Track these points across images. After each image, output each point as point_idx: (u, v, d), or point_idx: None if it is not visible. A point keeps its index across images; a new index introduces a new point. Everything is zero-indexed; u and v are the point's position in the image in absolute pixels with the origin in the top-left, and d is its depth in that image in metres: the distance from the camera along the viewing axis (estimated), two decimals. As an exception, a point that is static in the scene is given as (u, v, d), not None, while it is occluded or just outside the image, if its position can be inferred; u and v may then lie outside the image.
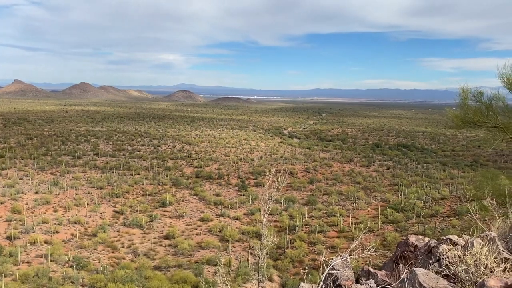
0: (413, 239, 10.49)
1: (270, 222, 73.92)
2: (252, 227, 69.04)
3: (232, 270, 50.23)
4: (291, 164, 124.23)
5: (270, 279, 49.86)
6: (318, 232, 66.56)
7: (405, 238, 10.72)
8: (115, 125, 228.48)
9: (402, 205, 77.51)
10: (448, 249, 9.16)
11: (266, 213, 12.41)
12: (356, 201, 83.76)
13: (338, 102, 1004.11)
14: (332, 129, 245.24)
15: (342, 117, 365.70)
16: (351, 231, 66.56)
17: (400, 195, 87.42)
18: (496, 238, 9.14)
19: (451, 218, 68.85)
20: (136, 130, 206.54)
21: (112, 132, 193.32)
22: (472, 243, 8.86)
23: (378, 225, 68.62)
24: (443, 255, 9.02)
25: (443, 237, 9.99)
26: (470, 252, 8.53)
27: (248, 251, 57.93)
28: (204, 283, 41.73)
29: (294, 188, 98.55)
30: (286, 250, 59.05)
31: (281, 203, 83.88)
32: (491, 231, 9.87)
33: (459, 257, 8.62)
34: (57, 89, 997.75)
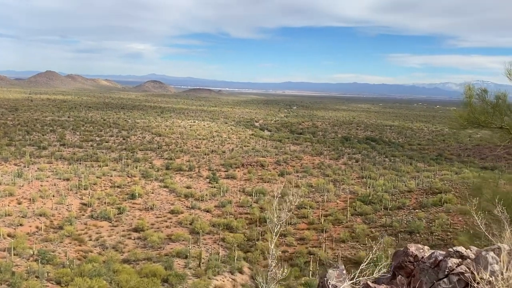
0: (412, 248, 9.68)
1: (241, 214, 74.06)
2: (223, 219, 68.97)
3: (203, 263, 50.07)
4: (262, 157, 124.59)
5: (241, 271, 50.03)
6: (288, 224, 67.11)
7: (403, 247, 9.94)
8: (82, 115, 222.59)
9: (370, 198, 79.04)
10: (458, 264, 8.39)
11: (275, 239, 9.88)
12: (325, 194, 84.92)
13: (309, 95, 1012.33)
14: (303, 122, 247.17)
15: (312, 110, 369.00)
16: (321, 223, 67.49)
17: (368, 187, 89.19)
18: None
19: (417, 210, 70.72)
20: (104, 120, 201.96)
21: (79, 122, 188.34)
22: (485, 258, 8.06)
23: (347, 217, 69.82)
24: (452, 270, 8.24)
25: (451, 249, 9.02)
26: (502, 277, 7.52)
27: (218, 244, 57.85)
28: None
29: (264, 181, 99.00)
30: (256, 242, 59.31)
31: (252, 195, 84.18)
32: (500, 243, 8.92)
33: (489, 282, 7.50)
34: (22, 77, 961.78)
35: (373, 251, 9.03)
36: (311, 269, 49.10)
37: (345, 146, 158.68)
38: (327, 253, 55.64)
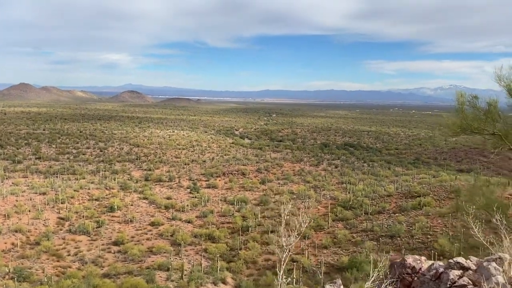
0: (410, 260, 9.48)
1: (223, 223, 73.53)
2: (205, 229, 68.29)
3: (185, 275, 49.38)
4: (243, 165, 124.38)
5: (224, 282, 49.51)
6: (271, 232, 66.88)
7: (401, 258, 9.80)
8: (58, 127, 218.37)
9: (350, 203, 79.63)
10: (460, 276, 8.08)
11: (283, 264, 8.82)
12: (306, 200, 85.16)
13: (287, 103, 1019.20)
14: (282, 129, 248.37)
15: (291, 117, 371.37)
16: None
17: (348, 193, 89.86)
18: None
19: (397, 214, 71.54)
20: (81, 132, 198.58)
21: (55, 134, 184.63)
22: (488, 269, 7.72)
23: (328, 223, 70.11)
24: (454, 283, 7.91)
25: (451, 260, 8.73)
26: None
27: (201, 255, 57.22)
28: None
29: (246, 189, 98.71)
30: (239, 252, 58.89)
31: (234, 204, 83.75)
32: (499, 252, 8.63)
33: None
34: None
35: (378, 268, 8.60)
36: (294, 276, 48.96)
37: (324, 152, 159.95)
38: (310, 259, 55.61)
